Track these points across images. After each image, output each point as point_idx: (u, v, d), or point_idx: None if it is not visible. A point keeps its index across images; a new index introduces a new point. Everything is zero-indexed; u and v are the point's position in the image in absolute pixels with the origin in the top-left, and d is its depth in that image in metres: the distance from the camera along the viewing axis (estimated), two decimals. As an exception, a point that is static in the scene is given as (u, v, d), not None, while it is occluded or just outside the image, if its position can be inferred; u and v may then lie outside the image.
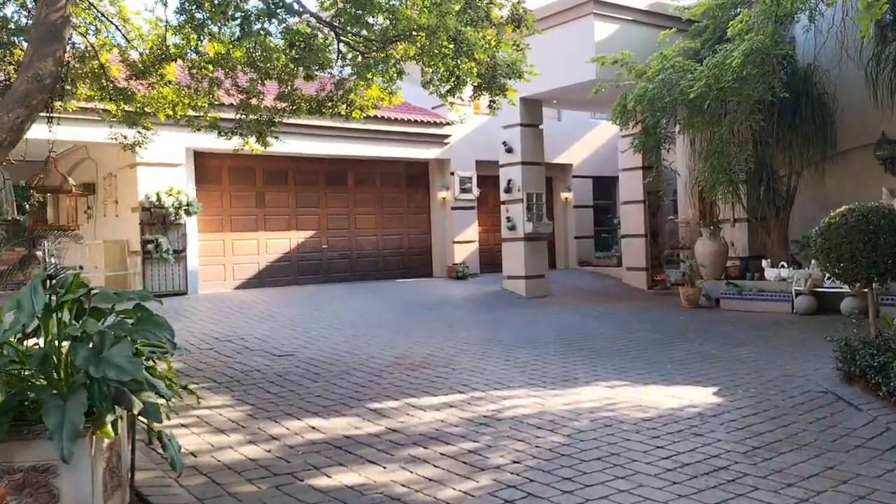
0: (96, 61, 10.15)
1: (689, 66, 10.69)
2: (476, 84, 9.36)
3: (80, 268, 13.58)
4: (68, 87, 11.00)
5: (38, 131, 11.75)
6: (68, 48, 11.00)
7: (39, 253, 12.41)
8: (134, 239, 12.87)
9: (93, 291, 3.42)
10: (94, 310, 3.55)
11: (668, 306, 12.74)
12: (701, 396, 6.27)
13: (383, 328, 10.50)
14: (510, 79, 9.31)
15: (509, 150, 14.59)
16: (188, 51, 9.98)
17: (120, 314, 3.54)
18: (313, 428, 5.45)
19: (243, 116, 10.48)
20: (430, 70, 9.42)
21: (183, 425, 5.51)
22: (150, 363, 3.54)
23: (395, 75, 10.05)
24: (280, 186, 14.81)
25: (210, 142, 13.04)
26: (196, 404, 5.74)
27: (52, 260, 12.17)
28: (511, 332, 10.12)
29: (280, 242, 14.74)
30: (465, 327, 10.69)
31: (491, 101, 9.56)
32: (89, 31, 10.42)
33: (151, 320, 3.32)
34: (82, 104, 11.30)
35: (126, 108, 10.55)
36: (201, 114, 10.48)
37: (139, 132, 10.53)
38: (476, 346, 8.99)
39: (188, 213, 12.82)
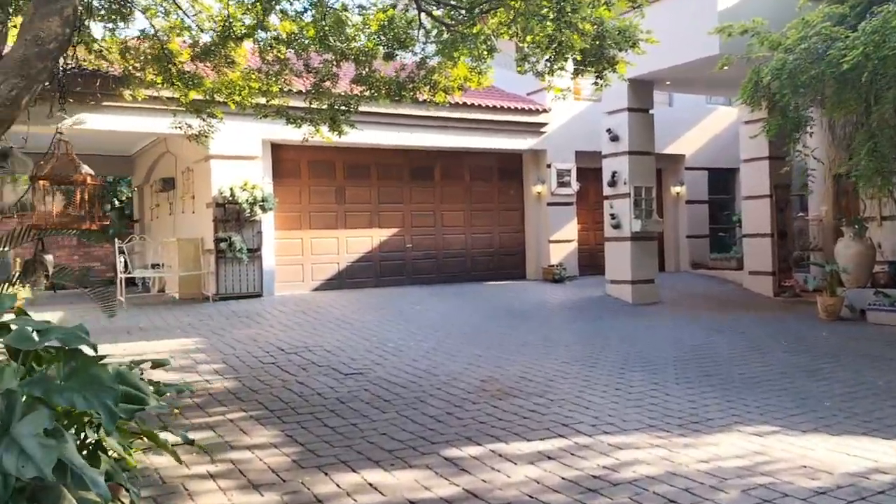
0: (160, 45, 9.36)
1: (838, 34, 8.86)
2: (579, 58, 7.95)
3: (155, 266, 13.00)
4: (137, 74, 10.32)
5: (111, 122, 11.09)
6: (137, 32, 10.34)
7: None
8: (209, 236, 12.13)
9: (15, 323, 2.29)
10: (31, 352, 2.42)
11: (802, 318, 10.87)
12: (886, 454, 4.68)
13: (470, 340, 9.23)
14: (621, 49, 7.82)
15: (614, 139, 13.00)
16: (257, 30, 9.04)
17: (68, 359, 2.40)
18: (370, 485, 4.22)
19: (315, 103, 9.45)
20: (526, 43, 8.07)
21: (210, 475, 4.39)
22: (100, 434, 2.37)
23: (486, 52, 8.78)
24: (361, 181, 13.79)
25: (288, 133, 12.14)
26: (211, 461, 4.62)
27: (121, 258, 11.55)
28: (619, 350, 8.63)
29: (361, 241, 13.72)
30: (564, 341, 9.27)
31: (596, 78, 8.09)
32: (158, 14, 9.66)
33: (89, 374, 2.15)
34: (149, 92, 10.60)
35: (194, 95, 9.72)
36: (271, 100, 9.51)
37: (204, 120, 9.67)
38: (577, 367, 7.57)
39: (263, 210, 11.95)
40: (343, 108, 9.39)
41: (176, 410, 5.23)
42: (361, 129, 12.64)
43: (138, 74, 10.23)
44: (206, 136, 9.89)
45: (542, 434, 5.20)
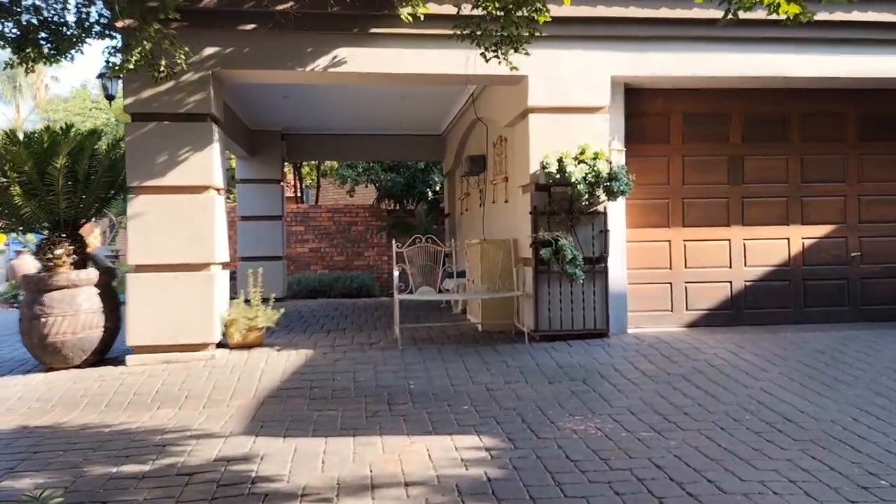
0: None
1: None
2: None
3: (452, 276, 9.07)
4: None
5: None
6: None
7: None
8: (524, 237, 7.75)
9: None
10: None
11: None
12: None
13: None
14: None
15: None
16: None
17: None
18: None
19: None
20: None
21: None
22: None
23: None
24: (771, 144, 8.29)
25: (656, 64, 7.31)
26: None
27: (397, 270, 7.66)
28: None
29: (769, 246, 8.23)
30: None
31: None
32: None
33: None
34: (434, 9, 6.54)
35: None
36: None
37: (514, 27, 5.22)
38: None
39: (611, 194, 7.18)
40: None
41: None
42: (775, 50, 7.34)
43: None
44: (510, 54, 5.46)
45: None
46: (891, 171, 8.34)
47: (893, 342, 7.07)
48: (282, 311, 7.71)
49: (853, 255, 8.27)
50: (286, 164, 16.46)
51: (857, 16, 7.47)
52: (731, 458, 4.30)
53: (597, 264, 7.44)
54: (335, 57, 7.15)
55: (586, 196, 7.19)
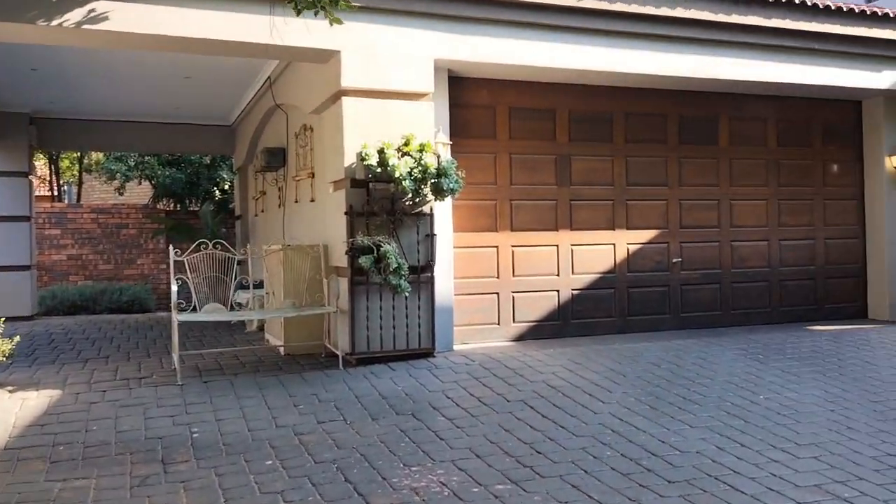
0: None
1: None
2: None
3: (246, 288, 7.67)
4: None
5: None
6: None
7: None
8: (338, 242, 6.58)
9: None
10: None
11: None
12: None
13: None
14: None
15: None
16: None
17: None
18: None
19: None
20: None
21: None
22: None
23: None
24: (598, 144, 7.85)
25: (481, 50, 6.51)
26: None
27: (176, 284, 6.13)
28: None
29: (595, 252, 7.79)
30: None
31: None
32: None
33: None
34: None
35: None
36: None
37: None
38: None
39: (440, 192, 6.25)
40: None
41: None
42: (602, 43, 6.89)
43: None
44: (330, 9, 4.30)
45: None
46: (707, 176, 8.28)
47: (723, 353, 6.84)
48: (17, 338, 5.87)
49: (674, 261, 8.08)
50: (37, 154, 13.83)
51: (680, 12, 7.21)
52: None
53: (422, 273, 6.46)
54: (92, 11, 5.51)
55: (412, 194, 6.19)
